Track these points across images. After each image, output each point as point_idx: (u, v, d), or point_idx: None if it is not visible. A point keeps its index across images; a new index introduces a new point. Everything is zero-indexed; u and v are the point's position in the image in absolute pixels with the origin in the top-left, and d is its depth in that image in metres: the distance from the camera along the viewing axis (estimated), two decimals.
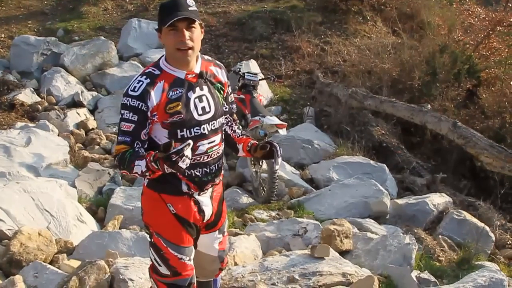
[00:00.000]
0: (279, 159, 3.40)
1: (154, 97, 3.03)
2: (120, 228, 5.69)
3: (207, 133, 3.20)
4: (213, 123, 3.24)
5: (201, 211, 3.31)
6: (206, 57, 3.35)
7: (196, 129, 3.16)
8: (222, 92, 3.34)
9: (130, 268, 4.37)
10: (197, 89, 3.18)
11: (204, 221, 3.38)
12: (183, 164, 2.84)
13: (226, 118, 3.46)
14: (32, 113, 9.29)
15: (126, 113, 3.04)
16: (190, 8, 3.04)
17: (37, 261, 4.68)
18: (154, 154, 2.93)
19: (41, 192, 5.61)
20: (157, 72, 3.11)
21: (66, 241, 5.27)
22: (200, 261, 3.49)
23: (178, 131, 3.11)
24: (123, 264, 4.44)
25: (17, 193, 5.46)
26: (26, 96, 9.72)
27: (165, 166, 2.86)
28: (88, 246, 5.10)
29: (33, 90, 10.06)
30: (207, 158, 3.25)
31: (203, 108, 3.18)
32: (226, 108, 3.41)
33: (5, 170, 6.41)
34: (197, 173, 3.22)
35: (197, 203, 3.29)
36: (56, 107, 9.65)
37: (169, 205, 3.21)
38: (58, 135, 8.49)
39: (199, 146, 3.17)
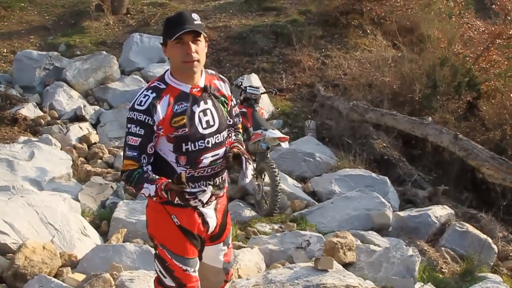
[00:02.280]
0: (248, 172, 3.32)
1: (160, 111, 3.06)
2: (123, 242, 5.70)
3: (210, 146, 3.23)
4: (217, 137, 3.26)
5: (205, 223, 3.33)
6: (209, 71, 3.38)
7: (201, 143, 3.18)
8: (225, 105, 3.37)
9: (135, 281, 4.39)
10: (202, 103, 3.21)
11: (208, 232, 3.39)
12: (195, 202, 3.06)
13: (229, 130, 3.47)
14: (35, 128, 9.32)
15: (133, 127, 3.07)
16: (195, 22, 3.08)
17: (42, 275, 4.69)
18: (166, 184, 3.00)
19: (45, 206, 5.63)
20: (162, 86, 3.14)
21: (70, 254, 5.29)
22: (205, 273, 3.50)
23: (183, 144, 3.14)
24: (128, 277, 4.45)
25: (21, 207, 5.47)
26: (29, 110, 9.75)
27: (176, 198, 3.02)
28: (92, 260, 5.11)
29: (35, 104, 10.10)
30: (211, 171, 3.27)
31: (207, 122, 3.21)
32: (230, 121, 3.44)
33: (9, 184, 6.43)
34: (201, 186, 3.23)
35: (201, 215, 3.30)
36: (58, 121, 9.69)
37: (173, 217, 3.23)
38: (61, 149, 8.51)
39: (202, 159, 3.20)
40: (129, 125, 3.09)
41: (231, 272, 3.72)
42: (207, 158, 3.22)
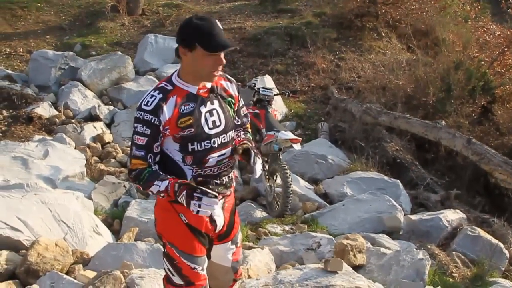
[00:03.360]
0: (257, 166, 3.36)
1: (167, 111, 3.09)
2: (135, 240, 5.74)
3: (217, 146, 3.25)
4: (224, 137, 3.28)
5: (212, 221, 3.34)
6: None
7: (207, 143, 3.21)
8: (232, 105, 3.40)
9: (146, 278, 4.42)
10: (208, 103, 3.23)
11: (216, 231, 3.41)
12: (195, 207, 3.01)
13: (237, 130, 3.50)
14: (50, 126, 9.40)
15: (139, 126, 3.10)
16: (222, 32, 3.12)
17: (54, 271, 4.73)
18: (181, 182, 3.08)
19: (58, 204, 5.67)
20: (169, 87, 3.16)
21: (82, 252, 5.33)
22: (214, 272, 3.52)
23: (189, 144, 3.17)
24: (138, 275, 4.48)
25: (35, 204, 5.52)
26: (44, 109, 9.83)
27: (183, 196, 3.03)
28: (104, 257, 5.15)
29: (50, 103, 10.18)
30: (217, 170, 3.29)
31: (213, 122, 3.23)
32: (238, 121, 3.48)
33: (23, 181, 6.46)
34: (208, 185, 3.25)
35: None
36: (73, 120, 9.77)
37: (181, 215, 3.25)
38: (75, 148, 8.58)
39: (209, 159, 3.23)
40: (136, 125, 3.13)
41: (240, 271, 3.73)
42: (213, 158, 3.24)
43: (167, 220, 3.30)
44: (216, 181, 3.29)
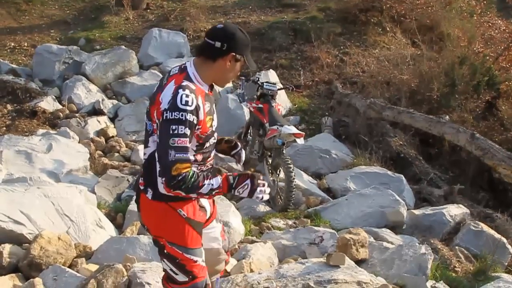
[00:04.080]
0: (242, 152, 3.62)
1: (201, 111, 3.08)
2: (138, 234, 5.74)
3: (215, 141, 3.38)
4: (216, 132, 3.39)
5: (202, 208, 3.41)
6: None
7: (213, 139, 3.30)
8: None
9: (147, 272, 4.43)
10: (213, 102, 3.33)
11: (207, 217, 3.49)
12: (261, 194, 3.15)
13: None
14: (54, 121, 9.43)
15: (181, 128, 2.98)
16: None
17: (57, 265, 4.75)
18: (233, 174, 3.17)
19: (61, 198, 5.68)
20: (193, 86, 3.11)
21: (85, 245, 5.34)
22: (207, 259, 3.50)
23: (206, 142, 3.22)
24: (140, 268, 4.49)
25: (38, 198, 5.53)
26: (48, 103, 9.86)
27: (246, 185, 3.13)
28: (106, 251, 5.17)
29: (54, 98, 10.21)
30: (213, 162, 3.43)
31: (216, 120, 3.34)
32: None
33: (27, 175, 6.49)
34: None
35: (198, 201, 3.37)
36: (77, 114, 9.79)
37: (180, 211, 3.25)
38: (79, 142, 8.60)
39: (211, 154, 3.35)
40: (174, 126, 2.98)
41: (228, 253, 3.84)
42: (212, 152, 3.37)
43: (165, 219, 3.28)
44: (210, 172, 3.33)
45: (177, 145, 2.98)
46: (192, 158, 3.08)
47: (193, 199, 3.31)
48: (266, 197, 3.19)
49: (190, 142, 3.04)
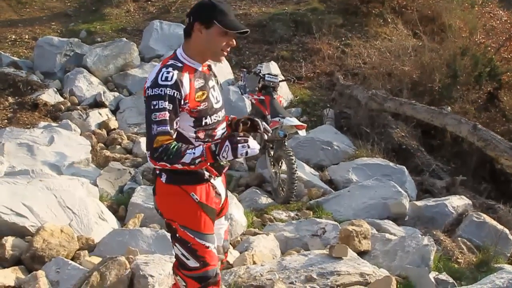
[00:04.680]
0: (266, 126, 3.50)
1: (186, 85, 3.11)
2: (140, 226, 5.76)
3: (221, 119, 3.39)
4: (223, 111, 3.43)
5: (218, 195, 3.43)
6: None
7: (215, 116, 3.31)
8: (220, 85, 3.54)
9: (150, 264, 4.43)
10: (210, 80, 3.34)
11: (220, 205, 3.50)
12: (244, 149, 3.04)
13: None
14: (55, 113, 9.42)
15: (161, 102, 3.04)
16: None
17: (59, 257, 4.76)
18: (215, 141, 3.14)
19: (64, 190, 5.69)
20: (179, 64, 3.18)
21: (88, 238, 5.35)
22: None
23: (203, 118, 3.23)
24: (143, 261, 4.50)
25: (40, 191, 5.54)
26: (49, 96, 9.85)
27: (227, 147, 3.04)
28: (109, 243, 5.18)
29: (56, 90, 10.19)
30: None
31: (216, 97, 3.35)
32: None
33: (29, 168, 6.50)
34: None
35: (214, 187, 3.39)
36: (78, 107, 9.78)
37: (192, 194, 3.27)
38: (80, 135, 8.59)
39: (217, 132, 3.34)
40: (154, 102, 3.06)
41: (226, 254, 3.80)
42: (219, 131, 3.36)
43: (177, 203, 3.30)
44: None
45: (158, 119, 3.05)
46: (171, 131, 3.08)
47: (208, 184, 3.34)
48: (252, 151, 3.07)
49: (174, 116, 3.09)
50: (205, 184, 3.33)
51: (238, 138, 3.04)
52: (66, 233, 5.05)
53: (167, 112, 3.05)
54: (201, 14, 3.16)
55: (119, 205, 6.64)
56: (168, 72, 3.09)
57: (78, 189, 5.93)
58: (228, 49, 3.25)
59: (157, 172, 3.32)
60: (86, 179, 6.80)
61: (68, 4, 15.39)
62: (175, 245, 3.37)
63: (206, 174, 3.30)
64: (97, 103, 10.15)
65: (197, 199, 3.28)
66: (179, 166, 3.08)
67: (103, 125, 9.35)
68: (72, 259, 4.92)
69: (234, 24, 3.16)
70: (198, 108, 3.17)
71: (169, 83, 3.05)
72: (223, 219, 3.63)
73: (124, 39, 12.03)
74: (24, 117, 9.00)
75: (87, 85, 10.55)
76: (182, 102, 3.10)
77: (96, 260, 4.81)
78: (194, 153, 3.05)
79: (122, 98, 10.46)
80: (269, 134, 3.57)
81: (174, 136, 3.12)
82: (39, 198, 5.44)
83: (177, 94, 3.06)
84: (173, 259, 3.47)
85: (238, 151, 3.03)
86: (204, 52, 3.24)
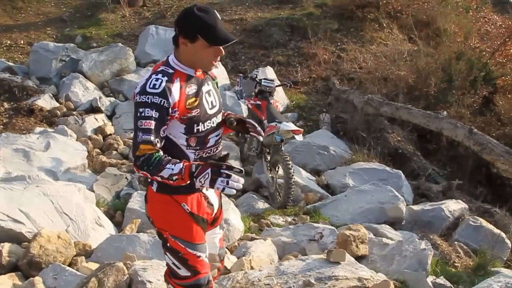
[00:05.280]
0: (258, 129, 3.47)
1: (175, 93, 3.06)
2: (137, 232, 5.74)
3: (215, 126, 3.32)
4: (219, 116, 3.37)
5: (210, 205, 3.40)
6: None
7: (208, 123, 3.25)
8: (217, 87, 3.49)
9: (149, 270, 4.43)
10: (206, 84, 3.28)
11: (213, 215, 3.47)
12: (222, 184, 2.95)
13: None
14: (51, 118, 9.39)
15: (147, 110, 3.00)
16: (222, 23, 3.13)
17: (56, 263, 4.75)
18: (198, 163, 3.05)
19: (60, 196, 5.68)
20: (171, 70, 3.14)
21: (85, 244, 5.33)
22: None
23: (195, 125, 3.18)
24: (141, 266, 4.49)
25: (37, 196, 5.52)
26: (45, 101, 9.81)
27: (207, 174, 2.97)
28: (106, 249, 5.16)
29: (51, 95, 10.16)
30: (216, 150, 3.36)
31: (211, 103, 3.29)
32: None
33: (25, 173, 6.47)
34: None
35: (206, 198, 3.37)
36: (74, 112, 9.75)
37: (183, 205, 3.25)
38: (76, 140, 8.56)
39: (210, 139, 3.28)
40: (141, 109, 3.02)
41: (223, 262, 3.80)
42: (213, 138, 3.30)
43: (168, 213, 3.29)
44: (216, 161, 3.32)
45: (143, 127, 3.01)
46: (155, 140, 3.02)
47: (200, 194, 3.31)
48: (230, 190, 2.98)
49: (160, 125, 3.04)
50: (197, 194, 3.30)
51: (222, 171, 2.97)
52: (63, 239, 5.03)
53: (152, 121, 3.00)
54: (185, 27, 3.08)
55: (116, 211, 6.62)
56: (157, 80, 3.05)
57: (75, 195, 5.92)
58: (218, 59, 3.20)
59: (149, 180, 3.30)
60: (83, 184, 6.77)
61: (64, 9, 15.39)
62: (166, 254, 3.36)
63: (198, 184, 3.21)
64: (93, 109, 10.13)
65: (188, 209, 3.26)
66: (159, 179, 3.05)
67: (99, 130, 9.32)
68: (69, 265, 4.90)
69: (220, 37, 3.07)
70: (189, 115, 3.12)
71: (157, 91, 3.01)
72: (217, 229, 3.61)
73: (120, 44, 12.03)
74: (19, 123, 8.97)
75: (83, 91, 10.53)
76: (171, 111, 3.05)
77: (93, 266, 4.79)
78: (172, 169, 2.99)
79: (118, 104, 10.44)
80: (261, 136, 3.53)
81: (160, 145, 3.07)
82: (35, 204, 5.42)
83: (164, 102, 3.01)
84: None
85: (215, 184, 2.97)
86: (193, 63, 3.17)
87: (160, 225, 3.35)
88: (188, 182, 3.03)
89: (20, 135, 8.14)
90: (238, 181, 2.98)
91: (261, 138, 3.54)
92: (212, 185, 2.97)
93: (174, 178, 3.00)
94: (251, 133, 3.47)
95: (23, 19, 14.49)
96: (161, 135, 3.08)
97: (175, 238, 3.28)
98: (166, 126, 3.09)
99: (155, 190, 3.27)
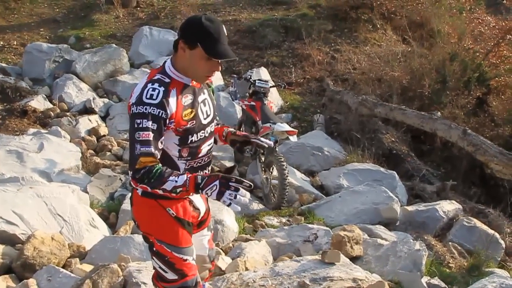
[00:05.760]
0: (265, 140, 3.43)
1: (172, 104, 3.00)
2: (131, 233, 5.72)
3: (208, 135, 3.29)
4: (212, 125, 3.34)
5: (196, 209, 3.37)
6: None
7: (201, 133, 3.22)
8: (214, 93, 3.46)
9: (143, 271, 4.41)
10: (201, 94, 3.24)
11: (199, 218, 3.44)
12: (230, 197, 2.87)
13: None
14: (44, 120, 9.35)
15: (145, 121, 2.94)
16: (226, 39, 3.08)
17: (51, 265, 4.73)
18: (204, 174, 3.00)
19: (54, 197, 5.66)
20: (167, 80, 3.08)
21: (79, 245, 5.31)
22: None
23: (189, 136, 3.14)
24: (136, 268, 4.48)
25: (31, 198, 5.50)
26: (38, 102, 9.78)
27: (214, 186, 2.89)
28: (101, 251, 5.15)
29: (45, 96, 10.13)
30: (207, 159, 3.34)
31: (206, 112, 3.25)
32: None
33: (18, 175, 6.46)
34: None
35: (191, 202, 3.34)
36: (68, 113, 9.72)
37: (168, 209, 3.21)
38: (70, 141, 8.54)
39: (202, 149, 3.23)
40: (138, 120, 2.94)
41: (214, 262, 3.79)
42: (205, 147, 3.26)
43: (153, 217, 3.25)
44: (205, 170, 3.32)
45: (142, 139, 2.93)
46: (156, 152, 2.96)
47: (185, 199, 3.28)
48: (234, 207, 2.90)
49: (159, 136, 2.98)
50: (182, 199, 3.26)
51: (231, 184, 2.90)
52: (57, 241, 5.01)
53: (151, 132, 2.94)
54: (187, 32, 3.02)
55: (110, 212, 6.60)
56: (153, 89, 2.99)
57: (69, 196, 5.90)
58: (213, 74, 3.14)
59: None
60: (77, 186, 6.75)
61: (57, 10, 15.33)
62: (153, 258, 3.33)
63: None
64: (86, 110, 10.10)
65: (173, 214, 3.22)
66: (160, 192, 2.97)
67: (93, 131, 9.29)
68: (63, 267, 4.88)
69: (220, 51, 3.00)
70: (185, 127, 3.08)
71: (154, 101, 2.95)
72: (205, 230, 3.59)
73: (114, 45, 12.00)
74: (13, 124, 8.93)
75: (76, 92, 10.50)
76: (168, 122, 3.00)
77: (87, 267, 4.78)
78: (176, 181, 2.93)
79: (112, 105, 10.42)
80: (266, 146, 3.46)
81: (159, 157, 3.01)
82: (29, 205, 5.40)
83: (162, 113, 2.96)
84: None
85: (222, 197, 2.88)
86: (187, 72, 3.11)
87: (145, 229, 3.33)
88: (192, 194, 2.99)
89: (13, 136, 8.12)
90: (245, 196, 2.91)
91: (266, 145, 3.48)
92: (219, 197, 2.89)
93: (178, 190, 2.94)
94: (252, 140, 3.43)
95: (16, 20, 14.43)
96: (159, 147, 3.02)
97: (161, 242, 3.25)
98: (163, 138, 3.03)
99: (140, 194, 3.24)
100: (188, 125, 3.10)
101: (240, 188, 2.89)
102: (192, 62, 3.05)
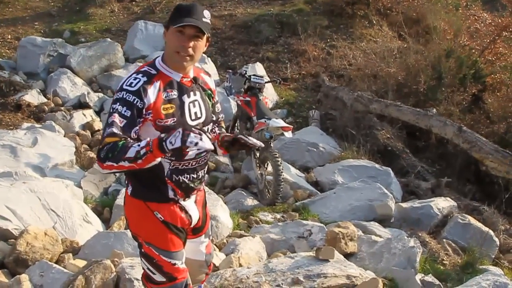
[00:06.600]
0: (254, 140, 3.24)
1: (151, 95, 2.97)
2: (125, 229, 5.70)
3: None
4: (203, 129, 3.19)
5: (188, 216, 3.31)
6: (196, 64, 3.31)
7: None
8: (211, 99, 3.37)
9: (136, 267, 4.39)
10: (191, 93, 3.18)
11: (192, 225, 3.38)
12: (196, 138, 2.72)
13: (213, 126, 3.47)
14: (38, 114, 9.31)
15: (120, 107, 2.91)
16: (204, 20, 3.03)
17: (43, 260, 4.69)
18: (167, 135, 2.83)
19: (48, 192, 5.63)
20: (153, 72, 3.06)
21: (72, 241, 5.28)
22: (188, 268, 3.44)
23: None
24: (129, 264, 4.46)
25: (24, 193, 5.47)
26: (33, 97, 9.74)
27: (178, 133, 2.75)
28: (94, 246, 5.12)
29: (39, 91, 10.09)
30: (195, 164, 3.24)
31: (195, 114, 3.18)
32: (213, 117, 3.42)
33: (12, 170, 6.42)
34: (185, 179, 3.20)
35: (183, 208, 3.27)
36: (62, 108, 9.68)
37: (156, 213, 3.18)
38: (64, 136, 8.50)
39: (188, 151, 3.06)
40: (114, 106, 2.93)
41: (211, 265, 3.74)
42: (193, 150, 3.05)
43: (141, 219, 3.22)
44: (193, 175, 3.24)
45: (112, 121, 2.89)
46: (122, 133, 2.86)
47: (176, 204, 3.23)
48: (202, 144, 2.74)
49: (132, 124, 2.90)
50: (171, 203, 3.22)
51: (193, 129, 2.80)
52: (50, 236, 4.98)
53: (123, 119, 2.89)
54: (169, 19, 3.06)
55: (104, 207, 6.58)
56: (135, 79, 2.99)
57: (62, 191, 5.88)
58: (184, 52, 3.02)
59: (126, 182, 3.26)
60: (70, 181, 6.74)
61: (52, 4, 15.26)
62: (141, 259, 3.31)
63: (171, 193, 3.18)
64: (81, 104, 10.07)
65: (161, 218, 3.18)
66: (125, 164, 2.81)
67: (87, 126, 9.26)
68: (56, 262, 4.85)
69: (181, 20, 2.96)
70: (165, 123, 3.02)
71: (131, 89, 2.94)
72: (202, 237, 3.55)
73: (109, 39, 11.96)
74: (7, 118, 8.89)
75: (71, 86, 10.46)
76: (144, 112, 2.96)
77: (80, 263, 4.75)
78: (139, 145, 2.80)
79: (106, 99, 10.38)
80: (259, 145, 3.40)
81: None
82: (22, 200, 5.37)
83: (137, 101, 2.92)
84: None
85: (188, 138, 2.71)
86: (167, 58, 3.10)
87: (134, 230, 3.30)
88: (158, 159, 2.84)
89: (7, 130, 8.08)
90: (207, 141, 2.78)
91: (262, 144, 3.39)
92: (184, 139, 2.73)
93: (142, 152, 2.78)
94: (247, 143, 3.26)
95: (10, 13, 14.36)
96: (132, 136, 2.93)
97: (149, 244, 3.22)
98: (137, 128, 2.96)
99: (129, 194, 3.22)
100: (169, 122, 3.03)
101: (203, 134, 2.78)
102: (167, 43, 3.07)
